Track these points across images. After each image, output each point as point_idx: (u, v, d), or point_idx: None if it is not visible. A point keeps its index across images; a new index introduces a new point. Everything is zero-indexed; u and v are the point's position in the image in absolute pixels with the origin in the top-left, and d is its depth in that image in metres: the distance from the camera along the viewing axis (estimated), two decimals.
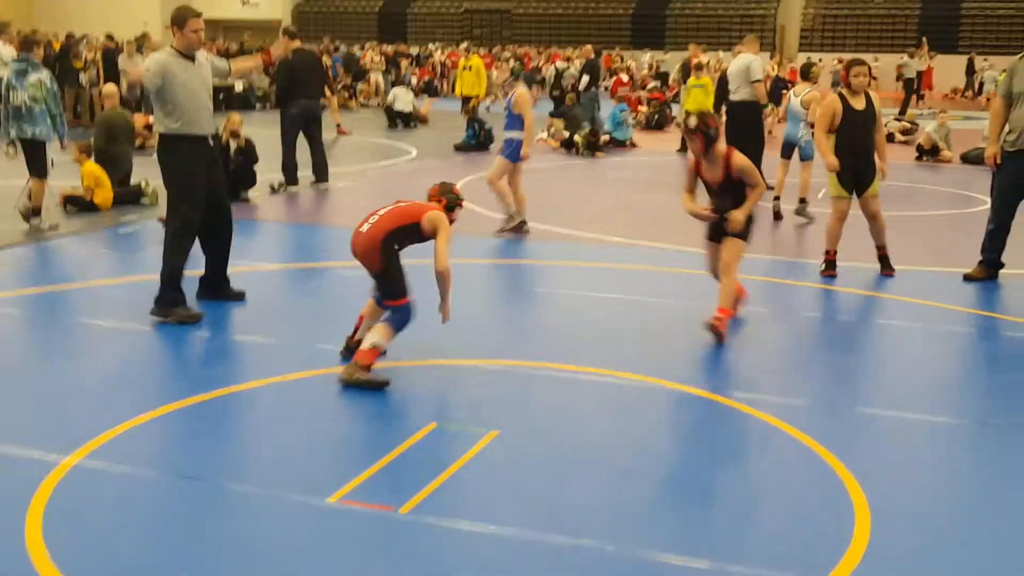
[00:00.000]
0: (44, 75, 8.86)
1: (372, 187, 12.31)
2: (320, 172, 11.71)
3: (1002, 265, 7.57)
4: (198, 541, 3.56)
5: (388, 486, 3.96)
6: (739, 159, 6.00)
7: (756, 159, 11.50)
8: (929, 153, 15.69)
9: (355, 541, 3.57)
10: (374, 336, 5.11)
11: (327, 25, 41.28)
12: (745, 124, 11.25)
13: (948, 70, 32.46)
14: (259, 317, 6.46)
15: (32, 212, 8.87)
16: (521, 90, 9.13)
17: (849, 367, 5.78)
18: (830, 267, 7.60)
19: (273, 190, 11.23)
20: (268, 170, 11.74)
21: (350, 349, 5.41)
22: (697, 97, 15.65)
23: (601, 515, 3.77)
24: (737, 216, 5.97)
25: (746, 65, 11.44)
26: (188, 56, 6.26)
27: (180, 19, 6.23)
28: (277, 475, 4.09)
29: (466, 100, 18.61)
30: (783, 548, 3.57)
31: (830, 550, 3.53)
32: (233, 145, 10.49)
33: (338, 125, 17.66)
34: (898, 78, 27.05)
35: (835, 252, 7.62)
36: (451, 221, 5.33)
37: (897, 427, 4.72)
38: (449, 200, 5.36)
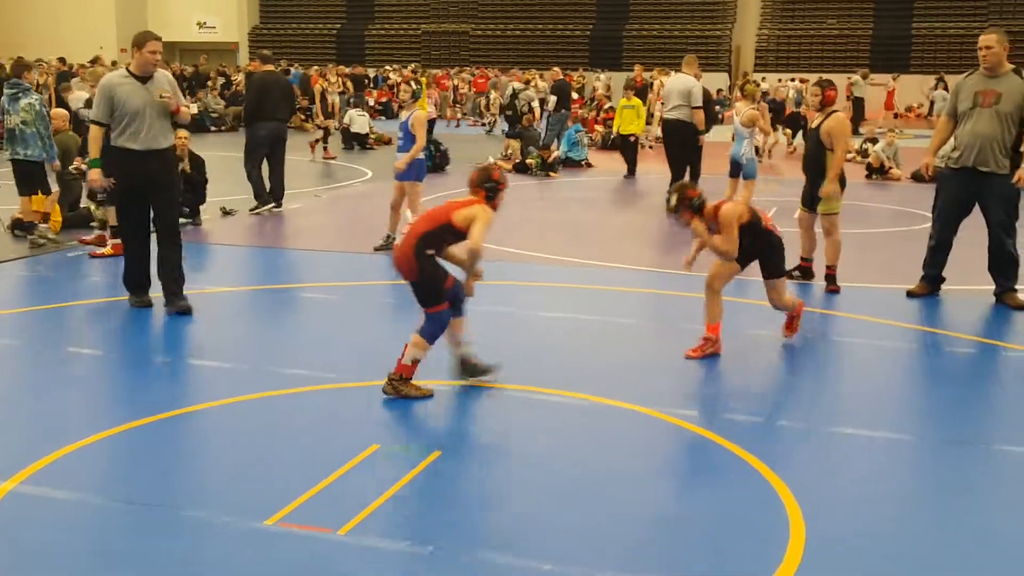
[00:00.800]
0: (34, 99, 9.25)
1: (326, 209, 12.30)
2: (276, 195, 11.67)
3: (943, 281, 7.72)
4: (135, 566, 3.53)
5: (328, 508, 3.95)
6: (723, 214, 5.83)
7: (693, 174, 11.97)
8: (878, 171, 15.96)
9: (292, 564, 3.55)
10: (413, 349, 5.18)
11: (284, 47, 41.20)
12: (680, 142, 11.94)
13: (902, 89, 33.05)
14: (209, 340, 6.44)
15: (20, 226, 9.38)
16: (418, 112, 9.20)
17: (791, 384, 5.85)
18: (805, 274, 8.16)
19: (225, 213, 11.17)
20: (220, 193, 11.71)
21: (462, 368, 5.47)
22: (628, 118, 15.78)
23: (538, 534, 3.79)
24: (710, 240, 5.94)
25: (688, 89, 11.84)
26: (140, 77, 6.71)
27: (141, 40, 6.72)
28: (216, 498, 4.06)
29: None
30: (718, 564, 3.60)
31: (764, 565, 3.56)
32: (180, 165, 10.45)
33: (325, 148, 17.57)
34: (848, 97, 27.46)
35: (805, 260, 8.15)
36: (495, 207, 5.27)
37: (837, 442, 4.79)
38: (487, 190, 5.25)
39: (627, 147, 16.01)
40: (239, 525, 3.80)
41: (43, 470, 4.29)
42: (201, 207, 10.71)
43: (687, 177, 12.55)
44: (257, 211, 11.35)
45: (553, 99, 18.61)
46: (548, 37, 40.36)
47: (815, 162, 7.81)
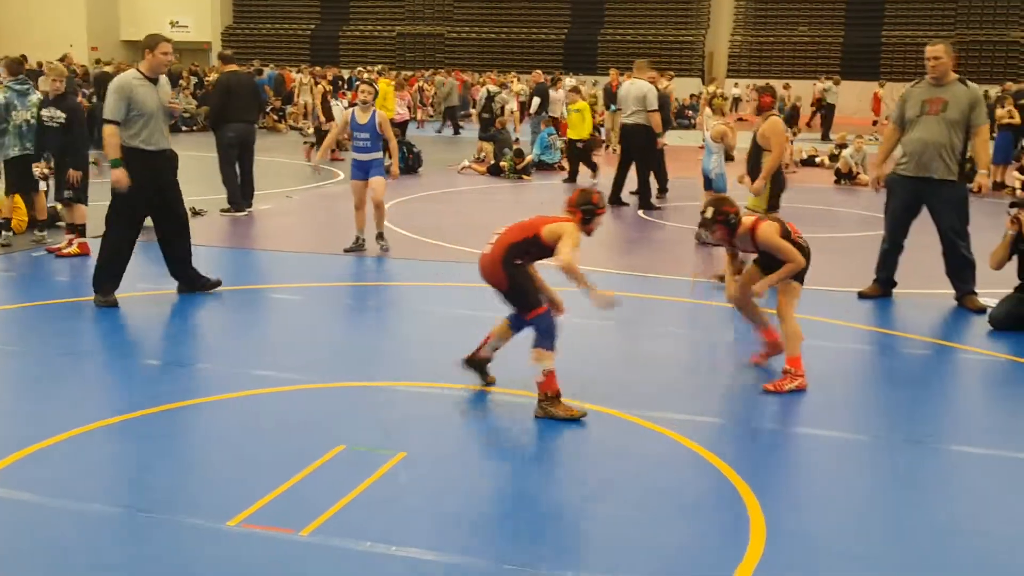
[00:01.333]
0: (37, 96, 9.28)
1: (297, 210, 12.27)
2: (246, 195, 11.64)
3: (895, 284, 7.85)
4: (95, 568, 3.52)
5: (291, 509, 3.95)
6: (764, 233, 5.51)
7: (647, 177, 12.33)
8: (846, 177, 16.15)
9: (253, 565, 3.56)
10: (538, 363, 5.05)
11: (258, 48, 41.03)
12: (638, 146, 12.52)
13: (870, 96, 33.40)
14: (175, 341, 6.42)
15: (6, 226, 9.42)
16: (382, 112, 9.32)
17: (750, 385, 5.91)
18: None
19: (194, 213, 11.10)
20: (189, 193, 11.63)
21: (471, 364, 5.49)
22: (574, 122, 15.76)
23: (499, 535, 3.82)
24: (760, 284, 5.62)
25: (643, 94, 12.41)
26: (151, 79, 6.96)
27: (152, 42, 6.95)
28: (178, 500, 4.06)
29: None
30: (679, 562, 3.64)
31: (725, 563, 3.61)
32: None
33: (334, 150, 17.44)
34: (818, 103, 27.77)
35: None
36: (589, 232, 5.23)
37: (796, 442, 4.86)
38: (585, 212, 5.19)
39: (573, 152, 15.74)
40: (201, 526, 3.80)
41: (4, 471, 4.27)
42: None
43: (652, 181, 12.74)
44: (228, 212, 11.31)
45: (537, 101, 18.74)
46: (523, 40, 40.46)
47: (755, 164, 7.98)
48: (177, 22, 43.60)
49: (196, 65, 30.75)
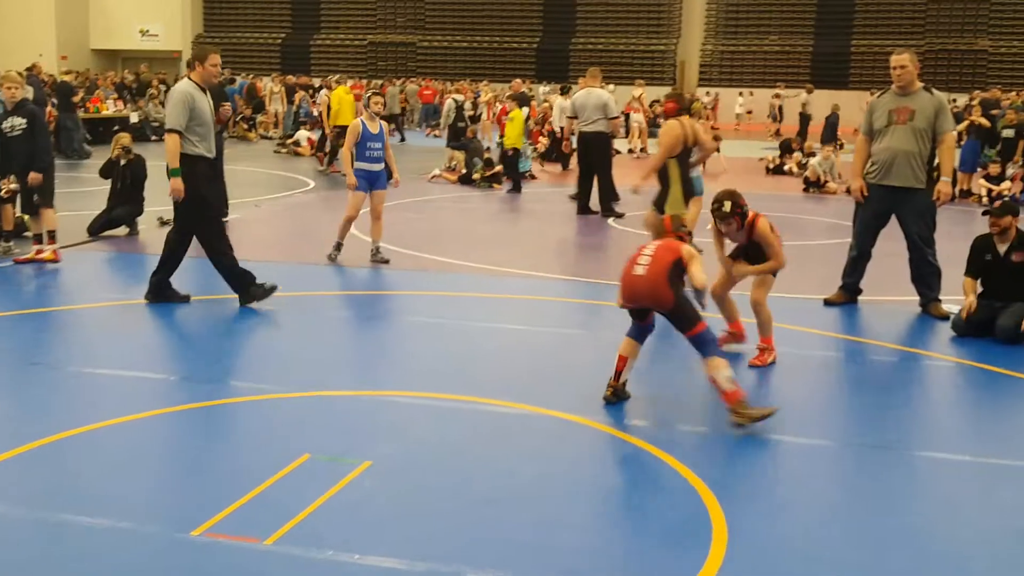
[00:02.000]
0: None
1: (266, 219, 12.21)
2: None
3: (860, 291, 7.93)
4: None
5: (256, 518, 3.93)
6: (762, 227, 6.05)
7: (606, 183, 12.51)
8: (815, 185, 16.29)
9: (216, 574, 3.54)
10: (718, 375, 5.09)
11: (229, 56, 40.86)
12: (597, 152, 12.92)
13: (844, 106, 33.75)
14: (143, 351, 6.37)
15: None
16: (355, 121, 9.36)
17: (714, 390, 5.94)
18: None
19: (162, 223, 11.04)
20: (158, 203, 11.56)
21: (616, 394, 5.42)
22: (508, 131, 15.73)
23: (465, 543, 3.82)
24: (743, 268, 6.24)
25: (604, 102, 12.83)
26: (203, 88, 7.19)
27: (202, 55, 7.20)
28: (143, 509, 4.03)
29: (341, 131, 18.13)
30: (642, 567, 3.66)
31: (687, 568, 3.63)
32: (123, 161, 10.46)
33: (332, 163, 17.36)
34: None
35: None
36: None
37: (760, 448, 4.88)
38: (686, 234, 5.77)
39: (507, 161, 15.75)
40: (164, 536, 3.77)
41: None
42: (138, 218, 10.62)
43: (594, 187, 12.86)
44: None
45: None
46: (495, 49, 40.55)
47: (664, 170, 8.12)
48: (147, 31, 43.34)
49: (164, 74, 30.54)
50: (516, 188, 15.47)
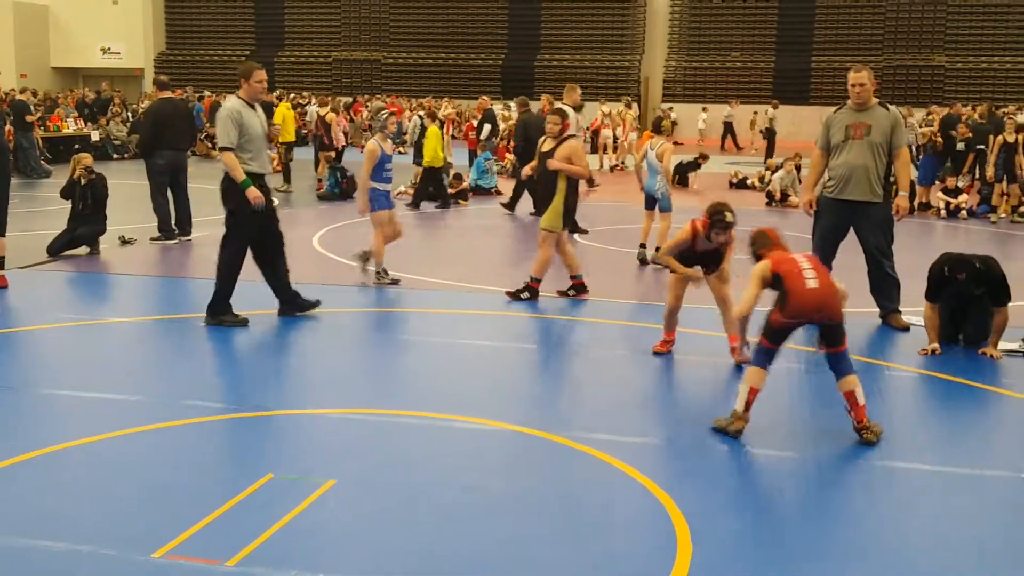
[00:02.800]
0: None
1: None
2: (183, 225, 11.48)
3: None
4: None
5: (217, 539, 3.90)
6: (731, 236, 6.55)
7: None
8: (778, 199, 16.46)
9: None
10: (858, 390, 5.22)
11: (192, 74, 40.66)
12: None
13: (803, 120, 34.20)
14: (104, 371, 6.30)
15: None
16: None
17: (678, 401, 5.99)
18: (579, 290, 8.65)
19: (123, 242, 10.95)
20: (119, 221, 11.48)
21: (741, 428, 5.21)
22: (426, 149, 15.65)
23: (431, 561, 3.81)
24: (725, 267, 6.75)
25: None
26: (251, 104, 7.24)
27: (247, 72, 7.24)
28: (103, 532, 3.98)
29: (287, 147, 17.63)
30: None
31: None
32: (84, 181, 10.36)
33: (319, 180, 17.19)
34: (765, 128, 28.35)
35: (574, 277, 8.63)
36: None
37: (724, 459, 4.91)
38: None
39: (425, 179, 15.70)
40: (125, 558, 3.73)
41: None
42: (100, 237, 10.51)
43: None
44: (159, 240, 11.15)
45: (488, 127, 18.82)
46: (460, 66, 40.65)
47: (549, 184, 8.37)
48: (109, 48, 43.00)
49: (119, 91, 30.29)
50: (444, 204, 15.42)
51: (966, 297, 7.10)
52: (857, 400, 5.19)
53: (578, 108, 13.34)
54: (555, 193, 8.28)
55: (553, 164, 8.31)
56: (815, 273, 5.26)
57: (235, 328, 7.31)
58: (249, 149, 7.18)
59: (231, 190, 7.21)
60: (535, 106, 17.58)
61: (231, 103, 7.27)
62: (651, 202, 10.75)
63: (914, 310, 7.85)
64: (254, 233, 7.37)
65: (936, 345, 7.04)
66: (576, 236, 12.48)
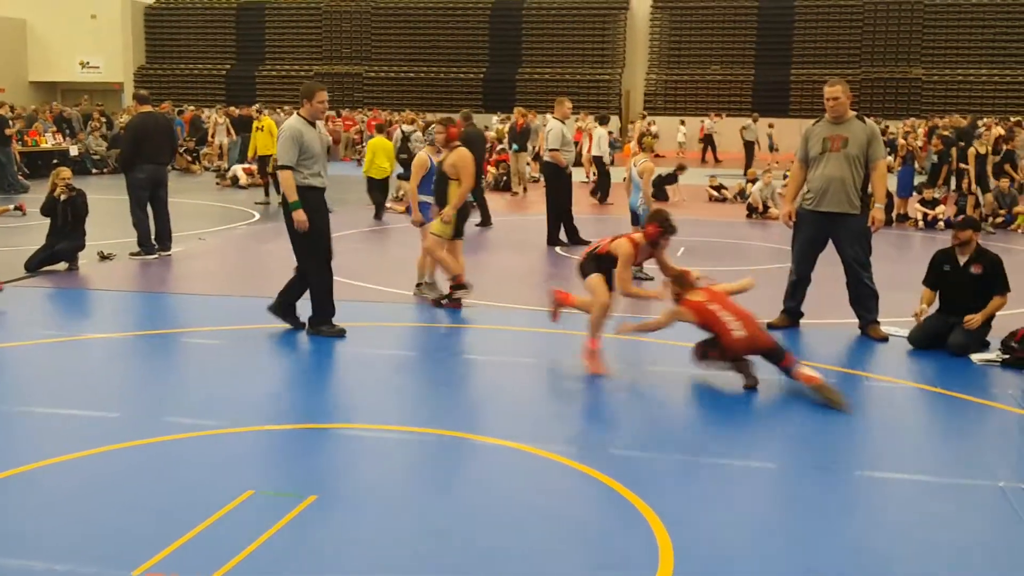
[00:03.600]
0: None
1: (210, 252, 12.08)
2: (162, 240, 11.42)
3: (802, 315, 8.08)
4: None
5: (197, 556, 3.87)
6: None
7: (561, 212, 12.57)
8: (757, 211, 16.54)
9: None
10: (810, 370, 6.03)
11: (173, 88, 40.54)
12: (551, 181, 13.11)
13: (784, 133, 34.46)
14: (84, 388, 6.25)
15: None
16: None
17: (660, 416, 6.00)
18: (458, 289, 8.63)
19: (103, 257, 10.88)
20: (99, 236, 11.42)
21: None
22: (378, 158, 15.86)
23: (411, 574, 3.79)
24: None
25: (549, 130, 13.06)
26: (311, 122, 7.48)
27: (310, 92, 7.48)
28: (82, 550, 3.94)
29: (263, 160, 17.35)
30: None
31: None
32: (64, 197, 10.31)
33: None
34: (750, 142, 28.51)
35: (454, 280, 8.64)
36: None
37: (705, 472, 4.92)
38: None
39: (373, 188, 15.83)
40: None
41: None
42: (80, 252, 10.46)
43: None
44: (138, 255, 11.09)
45: None
46: (442, 80, 40.73)
47: (441, 192, 8.52)
48: (88, 63, 42.83)
49: (100, 105, 30.16)
50: (378, 215, 15.49)
51: (961, 299, 7.38)
52: (811, 375, 5.71)
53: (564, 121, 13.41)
54: (447, 201, 8.46)
55: (447, 215, 8.38)
56: (740, 322, 5.79)
57: (207, 343, 7.27)
58: (309, 166, 7.39)
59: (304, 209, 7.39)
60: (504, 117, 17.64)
61: (292, 122, 7.46)
62: (634, 218, 10.79)
63: (892, 320, 7.91)
64: (327, 241, 7.61)
65: (924, 307, 7.54)
66: (558, 249, 12.49)
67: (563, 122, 13.17)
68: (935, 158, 17.63)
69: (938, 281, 7.60)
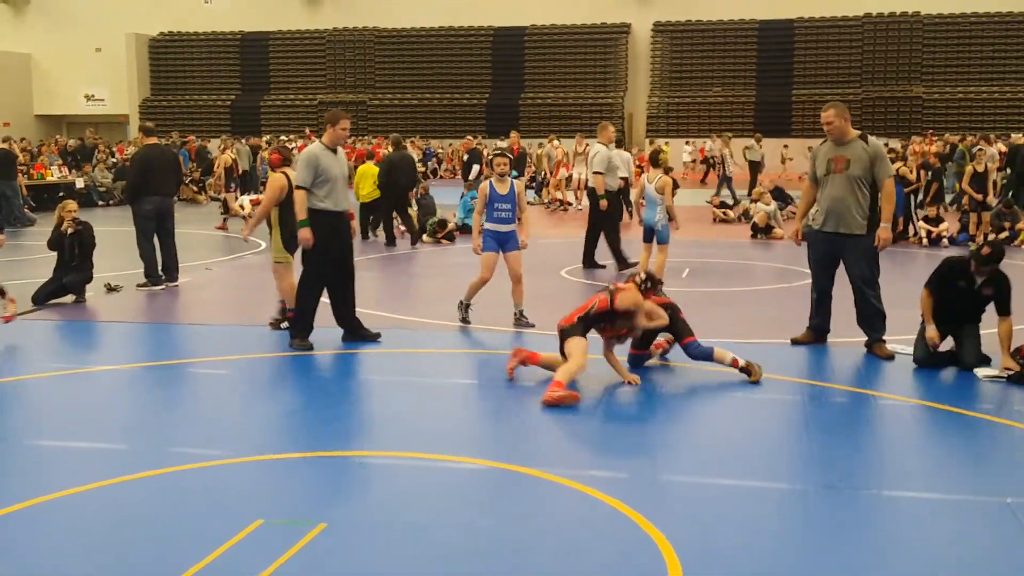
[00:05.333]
0: None
1: (217, 282, 12.13)
2: (169, 271, 11.48)
3: (828, 331, 8.11)
4: None
5: None
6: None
7: (612, 237, 12.49)
8: (763, 231, 16.58)
9: None
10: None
11: (178, 119, 40.83)
12: (592, 208, 12.90)
13: (788, 152, 34.54)
14: (91, 420, 6.27)
15: None
16: (521, 184, 9.29)
17: (669, 437, 6.00)
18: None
19: (109, 289, 10.94)
20: (105, 268, 11.48)
21: None
22: (359, 186, 16.08)
23: None
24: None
25: (595, 154, 12.65)
26: (332, 149, 7.96)
27: (334, 118, 7.92)
28: None
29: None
30: None
31: None
32: (71, 231, 10.38)
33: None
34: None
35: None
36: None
37: (714, 493, 4.92)
38: None
39: (364, 215, 16.24)
40: None
41: None
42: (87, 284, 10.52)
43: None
44: (145, 287, 11.15)
45: (476, 168, 18.91)
46: (446, 106, 40.99)
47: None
48: (93, 95, 43.21)
49: (99, 138, 30.37)
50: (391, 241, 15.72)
51: (963, 311, 7.35)
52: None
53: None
54: (271, 228, 8.83)
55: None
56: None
57: (214, 372, 7.31)
58: (323, 188, 7.83)
59: (311, 226, 7.83)
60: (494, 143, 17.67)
61: (312, 147, 7.98)
62: (649, 235, 10.82)
63: (899, 339, 7.91)
64: (327, 264, 8.01)
65: (934, 330, 7.41)
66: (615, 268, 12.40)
67: (607, 146, 12.96)
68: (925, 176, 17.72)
69: (944, 290, 7.48)
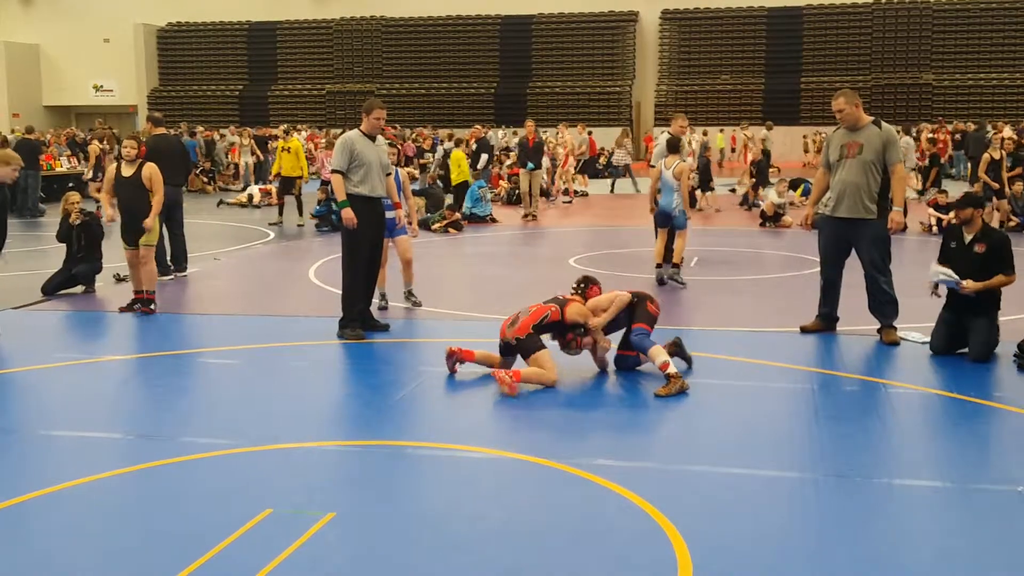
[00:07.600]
0: None
1: (226, 271, 12.14)
2: (178, 261, 11.49)
3: (837, 319, 8.08)
4: None
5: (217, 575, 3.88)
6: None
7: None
8: (771, 219, 16.52)
9: None
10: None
11: (186, 109, 40.85)
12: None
13: (795, 140, 34.42)
14: (100, 409, 6.28)
15: None
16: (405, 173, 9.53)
17: (679, 427, 5.98)
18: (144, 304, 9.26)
19: (118, 279, 10.95)
20: (115, 259, 11.49)
21: None
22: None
23: None
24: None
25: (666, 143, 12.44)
26: (369, 136, 8.16)
27: (369, 108, 8.17)
28: (102, 571, 3.97)
29: (286, 181, 17.35)
30: None
31: None
32: (77, 222, 10.40)
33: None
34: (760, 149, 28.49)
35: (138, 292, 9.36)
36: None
37: (724, 483, 4.91)
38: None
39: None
40: None
41: None
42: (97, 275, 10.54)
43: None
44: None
45: (485, 157, 18.86)
46: (453, 95, 40.89)
47: (140, 206, 9.26)
48: (101, 86, 43.25)
49: (108, 128, 30.37)
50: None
51: (962, 275, 7.32)
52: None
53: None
54: (148, 214, 9.24)
55: None
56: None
57: (222, 362, 7.31)
58: (358, 173, 8.00)
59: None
60: (519, 131, 17.67)
61: (350, 133, 8.23)
62: (665, 220, 10.76)
63: (910, 326, 7.88)
64: (367, 246, 8.11)
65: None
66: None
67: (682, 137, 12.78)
68: (925, 161, 17.71)
69: (944, 257, 7.53)
